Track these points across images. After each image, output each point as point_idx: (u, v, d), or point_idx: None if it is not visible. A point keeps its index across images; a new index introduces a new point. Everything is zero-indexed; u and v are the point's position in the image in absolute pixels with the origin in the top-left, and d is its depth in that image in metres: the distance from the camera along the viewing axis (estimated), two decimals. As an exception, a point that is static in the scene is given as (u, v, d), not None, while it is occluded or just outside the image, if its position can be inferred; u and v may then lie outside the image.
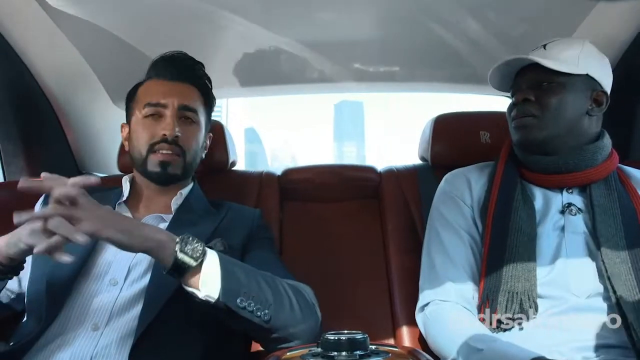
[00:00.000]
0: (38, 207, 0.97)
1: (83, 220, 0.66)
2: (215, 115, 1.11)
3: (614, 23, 1.19)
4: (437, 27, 1.26)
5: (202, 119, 1.00)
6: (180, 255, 0.69)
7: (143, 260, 0.85)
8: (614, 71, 0.96)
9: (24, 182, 0.67)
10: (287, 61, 1.40)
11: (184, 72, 1.00)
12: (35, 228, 0.66)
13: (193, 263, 0.69)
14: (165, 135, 0.93)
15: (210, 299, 0.70)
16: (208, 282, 0.70)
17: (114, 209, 0.93)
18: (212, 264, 0.71)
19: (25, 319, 0.85)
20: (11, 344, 0.81)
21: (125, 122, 1.03)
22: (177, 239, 0.70)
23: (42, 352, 0.77)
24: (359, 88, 1.63)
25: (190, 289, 0.71)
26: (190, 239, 0.71)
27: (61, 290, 0.81)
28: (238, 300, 0.71)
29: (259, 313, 0.72)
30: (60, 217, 0.65)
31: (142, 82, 1.02)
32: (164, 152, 0.93)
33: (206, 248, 0.72)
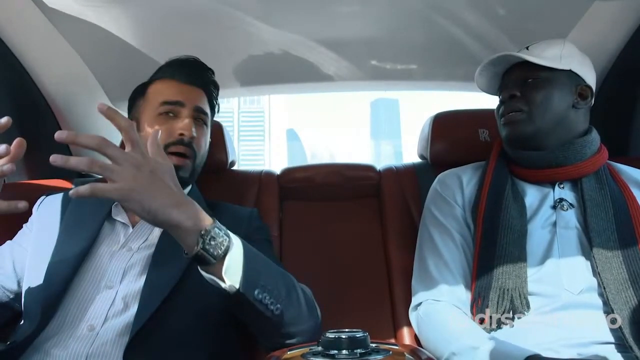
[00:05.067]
0: (35, 209, 0.98)
1: (115, 181, 0.59)
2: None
3: (613, 18, 1.19)
4: (451, 25, 1.27)
5: (209, 123, 1.04)
6: (201, 252, 0.64)
7: (139, 261, 0.85)
8: (612, 67, 0.97)
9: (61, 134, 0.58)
10: (300, 60, 1.40)
11: (197, 76, 1.02)
12: None
13: (212, 261, 0.64)
14: (182, 135, 0.94)
15: (229, 290, 0.67)
16: (228, 274, 0.66)
17: (110, 208, 0.93)
18: (235, 258, 0.67)
19: (22, 321, 0.85)
20: (7, 343, 0.82)
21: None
22: (203, 231, 0.63)
23: (39, 352, 0.76)
24: (374, 86, 1.62)
25: (208, 276, 0.67)
26: (217, 230, 0.65)
27: (57, 294, 0.81)
28: (256, 292, 0.68)
29: (271, 307, 0.70)
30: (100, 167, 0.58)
31: (152, 80, 1.03)
32: (178, 155, 0.94)
33: (231, 242, 0.67)
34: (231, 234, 0.68)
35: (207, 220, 0.65)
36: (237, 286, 0.66)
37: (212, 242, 0.64)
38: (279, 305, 0.71)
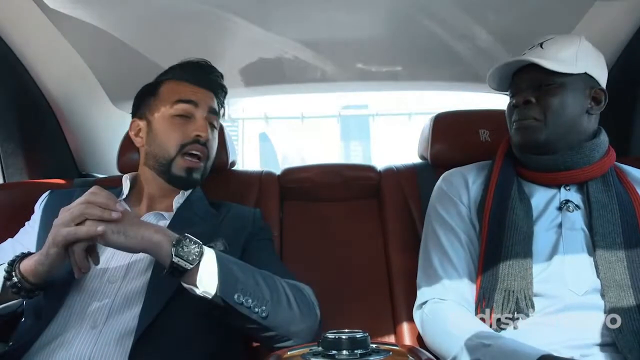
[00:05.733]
0: (37, 207, 0.97)
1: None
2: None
3: (613, 18, 1.19)
4: (438, 27, 1.27)
5: (218, 126, 1.05)
6: (176, 259, 0.69)
7: (142, 258, 0.85)
8: (613, 67, 0.96)
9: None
10: (290, 61, 1.40)
11: (208, 79, 1.03)
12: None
13: (188, 267, 0.69)
14: (198, 136, 0.95)
15: (207, 295, 0.71)
16: (204, 280, 0.70)
17: None
18: (209, 263, 0.71)
19: (23, 319, 0.85)
20: (10, 343, 0.81)
21: (134, 118, 1.03)
22: (174, 241, 0.70)
23: (41, 352, 0.76)
24: (362, 87, 1.63)
25: (187, 286, 0.71)
26: (187, 240, 0.71)
27: (59, 289, 0.81)
28: (235, 296, 0.71)
29: (256, 309, 0.72)
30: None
31: (163, 79, 1.03)
32: (192, 157, 0.95)
33: (203, 248, 0.72)
34: (201, 243, 0.73)
35: (176, 234, 0.72)
36: (215, 291, 0.69)
37: (185, 249, 0.70)
38: (264, 308, 0.73)
